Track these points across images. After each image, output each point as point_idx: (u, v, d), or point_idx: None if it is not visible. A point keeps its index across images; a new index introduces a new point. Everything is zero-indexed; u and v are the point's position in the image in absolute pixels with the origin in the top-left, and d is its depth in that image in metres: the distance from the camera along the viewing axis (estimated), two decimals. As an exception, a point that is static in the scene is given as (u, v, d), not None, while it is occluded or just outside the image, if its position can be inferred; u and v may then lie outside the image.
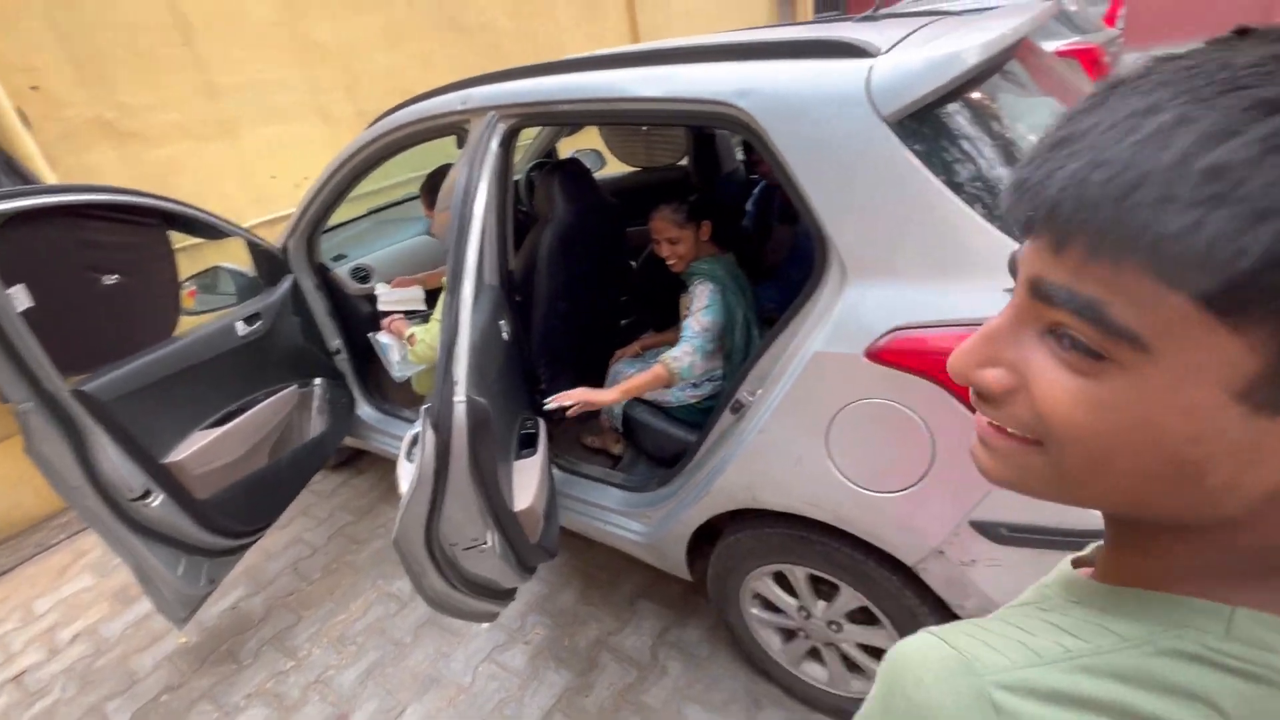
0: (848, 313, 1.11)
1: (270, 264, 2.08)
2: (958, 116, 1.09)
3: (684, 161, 2.92)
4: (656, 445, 1.79)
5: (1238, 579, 0.29)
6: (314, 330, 2.19)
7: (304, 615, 2.11)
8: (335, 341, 2.27)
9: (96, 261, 1.52)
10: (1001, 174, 1.06)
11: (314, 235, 2.14)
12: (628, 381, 1.63)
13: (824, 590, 1.43)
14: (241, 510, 1.85)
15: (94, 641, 2.15)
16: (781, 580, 1.49)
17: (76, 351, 1.48)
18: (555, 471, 1.77)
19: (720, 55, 1.26)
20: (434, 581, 1.27)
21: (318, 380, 2.15)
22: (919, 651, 0.34)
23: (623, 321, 2.49)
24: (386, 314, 2.19)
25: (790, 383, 1.19)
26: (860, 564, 1.26)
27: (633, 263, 2.47)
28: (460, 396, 1.17)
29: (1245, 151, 0.23)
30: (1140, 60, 0.28)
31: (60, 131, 2.61)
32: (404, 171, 3.66)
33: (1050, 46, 4.22)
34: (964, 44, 1.07)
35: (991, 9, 1.53)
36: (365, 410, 2.31)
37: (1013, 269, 0.32)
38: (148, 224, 1.63)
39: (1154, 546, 0.32)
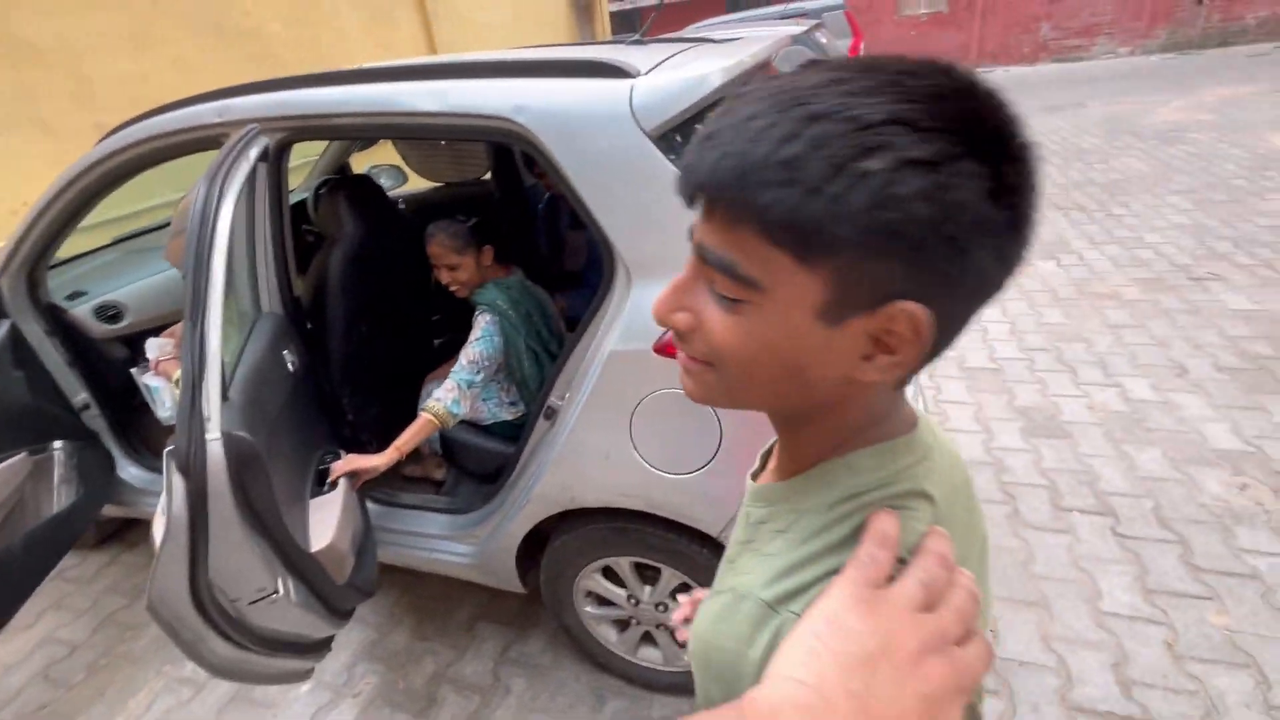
0: (635, 312, 1.19)
1: (-26, 309, 1.70)
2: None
3: (488, 176, 2.91)
4: (478, 463, 1.76)
5: (851, 436, 0.43)
6: (47, 384, 1.83)
7: (63, 728, 1.75)
8: (81, 395, 1.91)
9: None
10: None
11: (37, 271, 1.79)
12: (398, 439, 1.51)
13: (648, 575, 1.51)
14: (-46, 616, 1.48)
15: None
16: (609, 574, 1.54)
17: None
18: (371, 505, 1.66)
19: (497, 71, 1.29)
20: (216, 647, 1.11)
21: (58, 443, 1.79)
22: (704, 620, 0.44)
23: (436, 341, 2.40)
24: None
25: (592, 383, 1.25)
26: (674, 543, 1.36)
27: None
28: (214, 434, 1.05)
29: (801, 148, 0.32)
30: (757, 79, 0.37)
31: None
32: (167, 191, 3.19)
33: (808, 72, 4.88)
34: (710, 67, 1.20)
35: (743, 38, 1.74)
36: (130, 471, 1.97)
37: (691, 237, 0.42)
38: None
39: (802, 436, 0.45)
